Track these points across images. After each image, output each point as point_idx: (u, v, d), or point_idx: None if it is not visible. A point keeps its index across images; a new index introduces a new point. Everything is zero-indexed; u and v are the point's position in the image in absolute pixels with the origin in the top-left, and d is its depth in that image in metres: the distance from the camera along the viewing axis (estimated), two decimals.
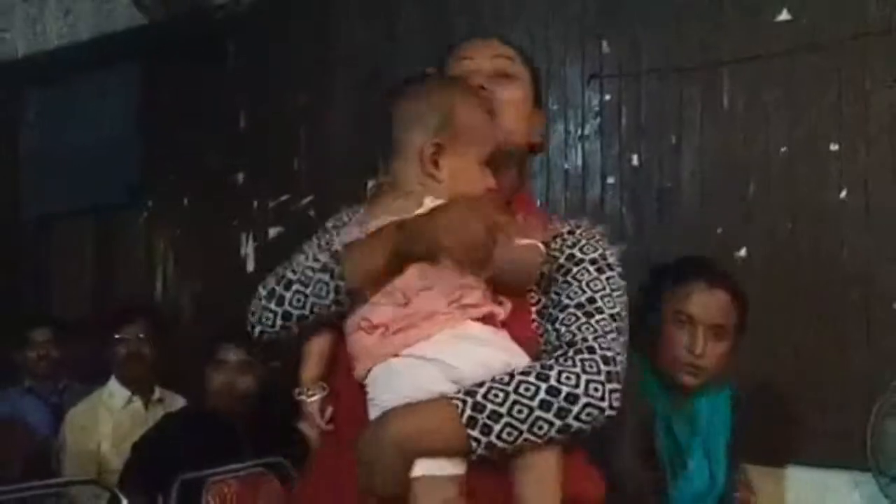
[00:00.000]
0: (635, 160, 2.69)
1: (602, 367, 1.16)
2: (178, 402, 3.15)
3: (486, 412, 1.13)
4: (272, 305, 1.31)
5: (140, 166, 3.89)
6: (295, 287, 1.30)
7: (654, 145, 2.67)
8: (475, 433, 1.12)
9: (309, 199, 3.43)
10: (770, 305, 2.42)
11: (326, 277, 1.27)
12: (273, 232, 3.52)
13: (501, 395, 1.14)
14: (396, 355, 1.17)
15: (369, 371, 1.19)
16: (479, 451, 1.13)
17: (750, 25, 2.54)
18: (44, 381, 3.38)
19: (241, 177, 3.63)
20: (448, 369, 1.15)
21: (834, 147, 2.41)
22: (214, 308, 3.55)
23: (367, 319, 1.19)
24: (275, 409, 2.65)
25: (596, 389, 1.14)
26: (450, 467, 1.14)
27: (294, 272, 1.32)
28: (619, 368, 1.17)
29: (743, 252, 2.50)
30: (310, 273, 1.30)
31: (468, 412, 1.13)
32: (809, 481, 2.38)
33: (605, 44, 2.77)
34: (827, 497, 2.35)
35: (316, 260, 1.32)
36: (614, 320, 1.23)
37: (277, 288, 1.32)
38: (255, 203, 3.56)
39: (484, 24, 2.95)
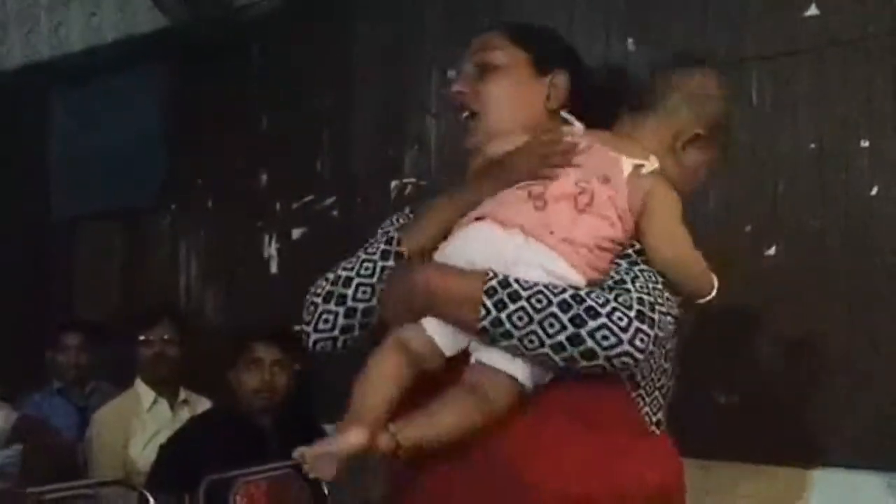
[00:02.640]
0: None
1: (635, 304, 1.15)
2: (203, 403, 3.16)
3: (509, 290, 1.15)
4: (331, 306, 1.31)
5: (164, 168, 3.91)
6: (357, 281, 1.31)
7: None
8: (489, 303, 1.14)
9: (332, 199, 3.43)
10: (800, 304, 2.40)
11: (390, 263, 1.29)
12: (297, 233, 3.52)
13: (531, 283, 1.16)
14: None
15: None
16: (485, 322, 1.14)
17: (778, 21, 2.51)
18: (73, 384, 3.40)
19: (264, 178, 3.63)
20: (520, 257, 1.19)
21: (864, 143, 2.38)
22: (239, 309, 3.56)
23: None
24: (302, 409, 2.66)
25: (620, 318, 1.13)
26: (442, 339, 1.19)
27: (349, 270, 1.32)
28: (654, 315, 1.16)
29: (772, 250, 2.47)
30: (369, 265, 1.31)
31: (492, 283, 1.16)
32: (839, 484, 2.34)
33: (630, 41, 2.75)
34: (858, 501, 2.30)
35: (369, 256, 1.33)
36: (661, 274, 1.23)
37: (335, 288, 1.32)
38: (279, 204, 3.57)
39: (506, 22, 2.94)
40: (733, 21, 2.57)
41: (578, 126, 1.33)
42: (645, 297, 1.17)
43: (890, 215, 2.33)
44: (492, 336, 1.16)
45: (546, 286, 1.16)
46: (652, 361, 1.24)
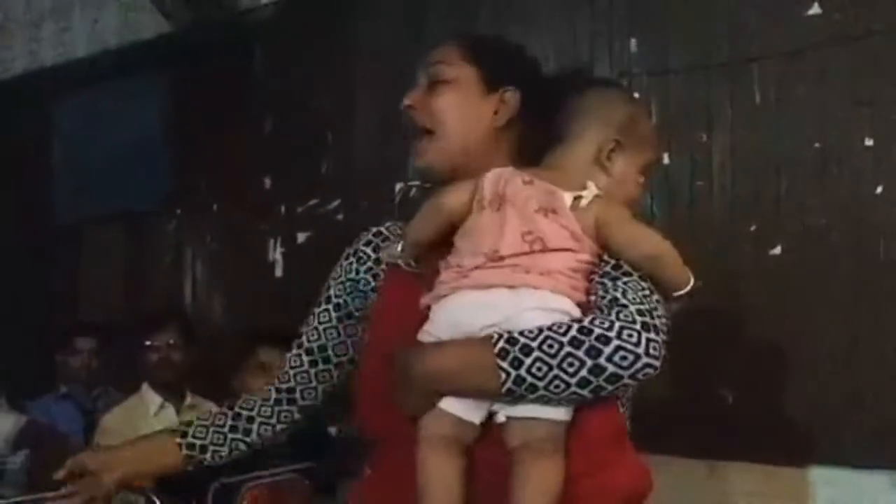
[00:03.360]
0: (665, 158, 2.67)
1: (637, 317, 1.16)
2: (209, 407, 3.16)
3: (519, 345, 1.15)
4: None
5: (169, 173, 3.92)
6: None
7: (685, 143, 2.64)
8: (505, 364, 1.14)
9: (336, 203, 3.43)
10: (804, 302, 2.40)
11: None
12: (301, 237, 3.53)
13: (535, 331, 1.16)
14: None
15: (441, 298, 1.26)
16: (509, 384, 1.14)
17: (780, 20, 2.51)
18: (81, 387, 3.41)
19: (268, 182, 3.64)
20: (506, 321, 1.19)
21: (868, 142, 2.38)
22: (244, 313, 3.57)
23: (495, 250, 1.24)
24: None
25: (630, 335, 1.14)
26: (467, 412, 1.20)
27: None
28: (656, 322, 1.17)
29: (777, 250, 2.47)
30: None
31: (501, 344, 1.15)
32: (843, 483, 2.34)
33: (633, 42, 2.75)
34: (863, 500, 2.30)
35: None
36: (643, 280, 1.23)
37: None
38: (283, 208, 3.58)
39: (510, 24, 2.94)
40: (736, 21, 2.57)
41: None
42: (642, 307, 1.18)
43: (894, 214, 2.33)
44: (517, 395, 1.16)
45: (550, 329, 1.16)
46: None
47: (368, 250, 1.47)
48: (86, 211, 4.16)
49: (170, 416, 3.10)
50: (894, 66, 2.34)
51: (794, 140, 2.48)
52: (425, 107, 1.37)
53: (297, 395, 1.50)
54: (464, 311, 1.22)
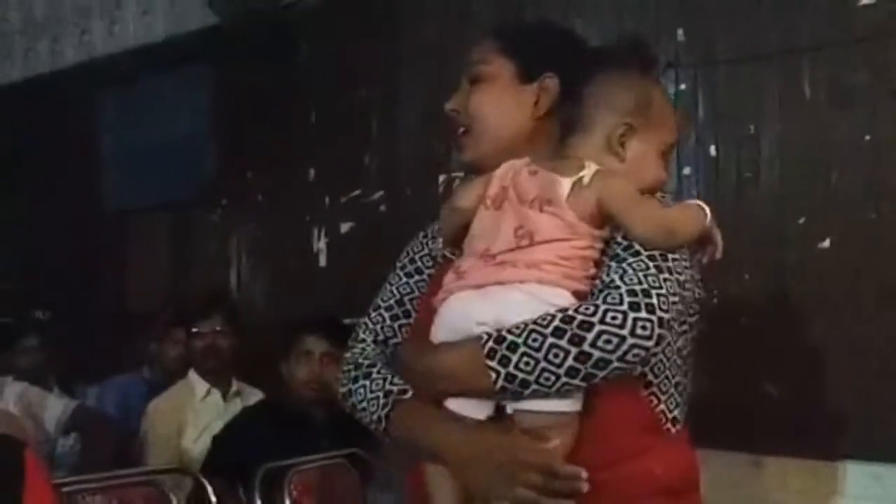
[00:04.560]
0: (712, 150, 2.65)
1: (626, 298, 1.14)
2: (254, 394, 3.21)
3: (506, 343, 1.16)
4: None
5: (214, 163, 3.97)
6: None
7: (732, 135, 2.62)
8: (494, 364, 1.15)
9: (380, 194, 3.45)
10: (855, 296, 2.37)
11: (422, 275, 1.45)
12: (345, 227, 3.55)
13: (521, 326, 1.16)
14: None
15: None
16: (500, 382, 1.15)
17: (831, 10, 2.48)
18: (170, 376, 3.41)
19: (312, 172, 3.67)
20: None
21: None
22: (289, 302, 3.60)
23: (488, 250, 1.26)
24: None
25: (614, 318, 1.12)
26: (471, 410, 1.22)
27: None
28: (653, 300, 1.14)
29: (827, 243, 2.44)
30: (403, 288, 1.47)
31: (489, 344, 1.16)
32: (871, 476, 2.30)
33: (680, 32, 2.73)
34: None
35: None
36: (652, 260, 1.20)
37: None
38: (327, 198, 3.60)
39: (554, 14, 2.93)
40: (786, 11, 2.54)
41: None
42: (636, 287, 1.15)
43: None
44: (511, 391, 1.16)
45: (535, 322, 1.15)
46: (664, 358, 1.25)
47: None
48: (133, 200, 4.22)
49: (216, 403, 3.15)
50: None
51: (844, 132, 2.44)
52: (464, 108, 1.40)
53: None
54: (458, 312, 1.23)
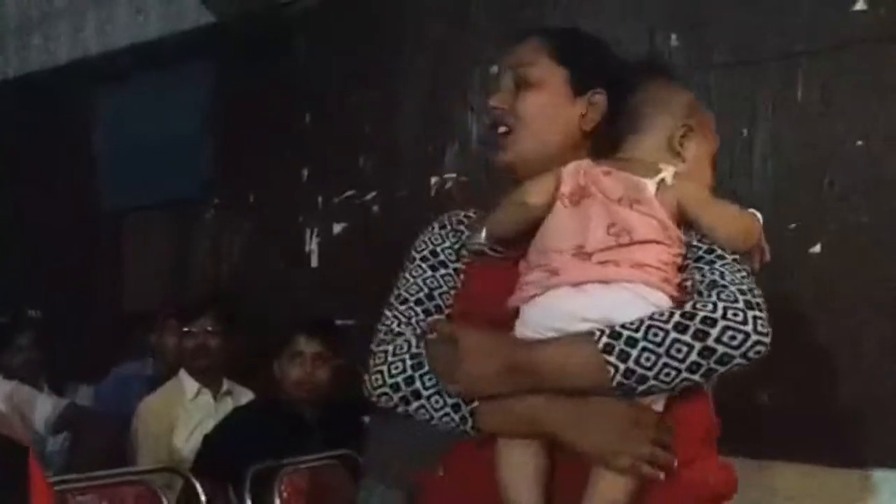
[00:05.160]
0: None
1: (739, 296, 1.16)
2: (245, 394, 3.20)
3: (623, 338, 1.15)
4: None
5: (207, 163, 3.96)
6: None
7: (726, 139, 2.60)
8: (612, 359, 1.14)
9: (373, 194, 3.45)
10: (846, 302, 2.38)
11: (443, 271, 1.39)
12: (337, 227, 3.55)
13: (637, 322, 1.15)
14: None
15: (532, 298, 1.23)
16: (618, 378, 1.14)
17: (825, 15, 2.48)
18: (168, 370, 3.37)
19: (305, 173, 3.66)
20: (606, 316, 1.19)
21: None
22: (280, 303, 3.60)
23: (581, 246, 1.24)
24: (344, 402, 2.69)
25: (735, 314, 1.14)
26: None
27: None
28: (758, 300, 1.17)
29: (818, 248, 2.45)
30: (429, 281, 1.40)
31: (605, 339, 1.15)
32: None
33: (674, 37, 2.73)
34: None
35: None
36: (737, 262, 1.23)
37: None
38: (320, 199, 3.60)
39: (551, 18, 2.94)
40: (780, 16, 2.55)
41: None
42: (742, 286, 1.18)
43: None
44: (626, 388, 1.15)
45: (650, 318, 1.15)
46: None
47: (461, 227, 1.44)
48: (126, 199, 4.21)
49: (207, 402, 3.15)
50: None
51: (837, 137, 2.45)
52: (512, 109, 1.37)
53: None
54: (557, 309, 1.21)
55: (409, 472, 1.95)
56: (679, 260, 1.25)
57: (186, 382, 3.17)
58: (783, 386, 2.44)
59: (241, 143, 3.85)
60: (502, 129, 1.38)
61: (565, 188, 1.28)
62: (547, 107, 1.36)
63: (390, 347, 1.31)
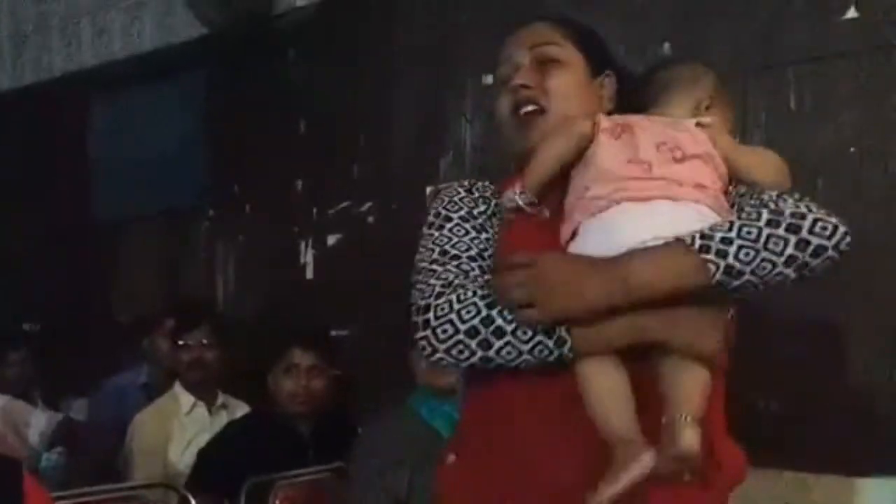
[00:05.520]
0: None
1: (804, 199, 1.20)
2: (240, 407, 3.19)
3: (717, 238, 1.15)
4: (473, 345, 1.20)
5: (202, 173, 3.96)
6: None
7: None
8: (711, 256, 1.14)
9: (368, 205, 3.45)
10: (841, 309, 2.38)
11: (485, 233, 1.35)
12: (332, 239, 3.55)
13: (726, 225, 1.17)
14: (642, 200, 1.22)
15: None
16: (719, 275, 1.14)
17: (816, 24, 2.49)
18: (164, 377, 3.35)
19: (300, 184, 3.66)
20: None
21: None
22: (275, 315, 3.59)
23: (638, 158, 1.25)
24: (339, 414, 2.68)
25: (817, 209, 1.17)
26: None
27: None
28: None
29: None
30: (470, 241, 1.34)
31: (699, 241, 1.15)
32: (888, 493, 2.29)
33: (666, 46, 2.74)
34: None
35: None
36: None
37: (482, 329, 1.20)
38: (315, 210, 3.60)
39: None
40: (771, 23, 2.55)
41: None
42: (799, 202, 1.20)
43: None
44: (725, 284, 1.15)
45: (739, 219, 1.17)
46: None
47: (487, 195, 1.40)
48: (121, 211, 4.21)
49: (202, 416, 3.13)
50: None
51: (829, 144, 2.45)
52: (539, 85, 1.35)
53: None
54: (626, 224, 1.20)
55: (396, 481, 1.95)
56: (725, 185, 1.28)
57: (182, 396, 3.15)
58: (778, 392, 2.44)
59: (235, 153, 3.85)
60: (530, 108, 1.35)
61: (605, 125, 1.29)
62: (576, 85, 1.37)
63: (454, 296, 1.20)
